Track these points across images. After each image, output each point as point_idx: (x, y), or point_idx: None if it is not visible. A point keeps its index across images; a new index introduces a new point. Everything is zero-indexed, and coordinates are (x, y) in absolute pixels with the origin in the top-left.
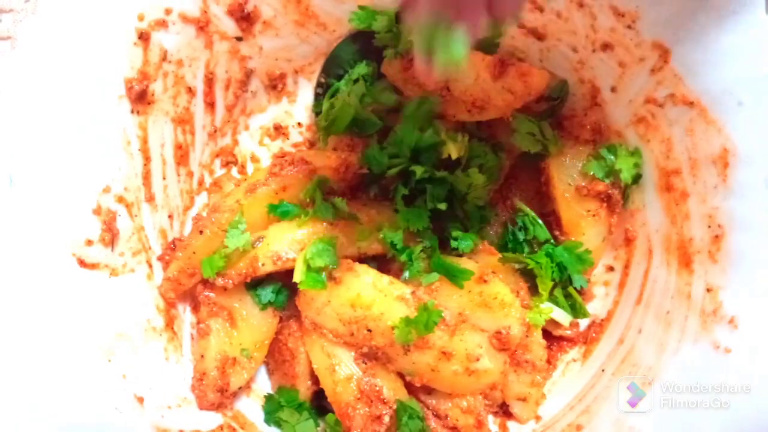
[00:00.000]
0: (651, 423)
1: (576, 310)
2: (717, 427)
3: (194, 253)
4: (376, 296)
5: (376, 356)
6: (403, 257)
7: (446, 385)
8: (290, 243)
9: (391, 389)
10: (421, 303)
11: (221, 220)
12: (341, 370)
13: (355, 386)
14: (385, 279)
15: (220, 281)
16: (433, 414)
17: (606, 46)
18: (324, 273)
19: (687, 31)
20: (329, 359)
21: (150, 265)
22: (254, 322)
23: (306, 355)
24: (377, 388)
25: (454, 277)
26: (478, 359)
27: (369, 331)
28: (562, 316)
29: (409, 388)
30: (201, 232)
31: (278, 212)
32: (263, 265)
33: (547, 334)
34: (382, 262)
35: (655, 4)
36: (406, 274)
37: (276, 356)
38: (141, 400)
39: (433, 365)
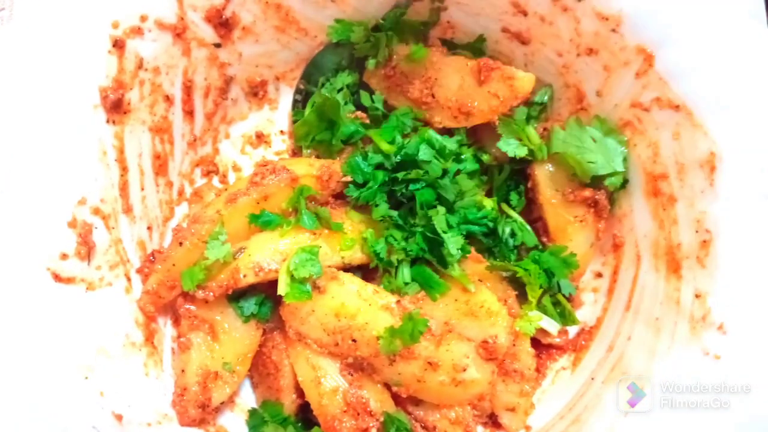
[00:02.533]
0: (643, 428)
1: (565, 318)
2: (717, 427)
3: (174, 265)
4: (361, 305)
5: (361, 367)
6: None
7: (433, 395)
8: (272, 253)
9: (377, 401)
10: (406, 312)
11: (201, 231)
12: (327, 382)
13: (341, 398)
14: (370, 288)
15: (200, 294)
16: (421, 426)
17: (590, 51)
18: (308, 283)
19: (671, 36)
20: (314, 371)
21: (128, 279)
22: (236, 334)
23: (291, 368)
24: (364, 400)
25: (431, 288)
26: (465, 369)
27: (354, 341)
28: (551, 325)
29: (396, 399)
30: (181, 243)
31: (260, 222)
32: (245, 276)
33: (536, 342)
34: (366, 272)
35: (638, 8)
36: (388, 283)
37: (260, 369)
38: (119, 417)
39: (420, 376)
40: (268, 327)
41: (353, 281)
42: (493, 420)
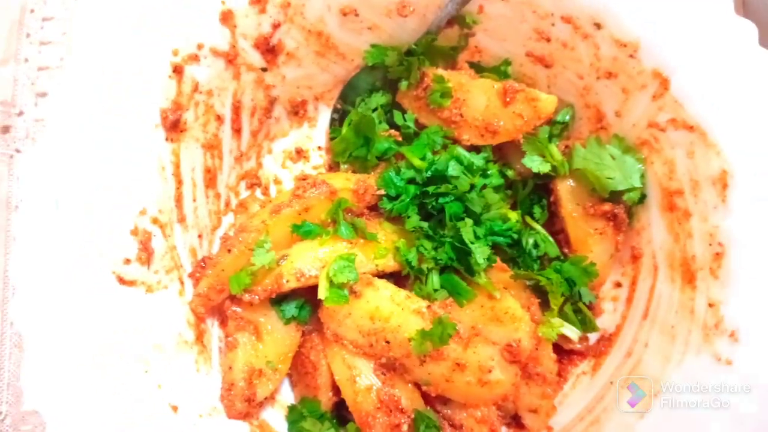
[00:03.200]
0: (657, 428)
1: (585, 325)
2: (717, 428)
3: (223, 270)
4: (394, 309)
5: (393, 367)
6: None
7: (460, 395)
8: (313, 261)
9: (408, 399)
10: (436, 316)
11: (248, 239)
12: (361, 381)
13: (374, 396)
14: (402, 293)
15: (246, 297)
16: (448, 423)
17: (609, 74)
18: (346, 288)
19: (685, 61)
20: (350, 370)
21: (181, 282)
22: (278, 335)
23: (327, 367)
24: (396, 398)
25: (458, 295)
26: (490, 371)
27: (387, 342)
28: (572, 332)
29: (426, 398)
30: (229, 250)
31: (301, 232)
32: (287, 281)
33: (558, 348)
34: (398, 279)
35: (654, 35)
36: (419, 290)
37: (299, 368)
38: (175, 408)
39: (448, 376)
40: (306, 329)
41: (387, 287)
42: (516, 421)
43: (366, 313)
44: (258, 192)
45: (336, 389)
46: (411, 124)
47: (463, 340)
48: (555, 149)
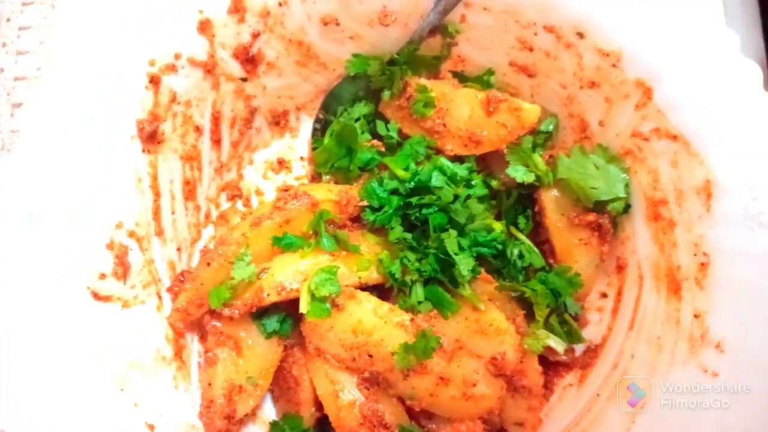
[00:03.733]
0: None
1: (572, 336)
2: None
3: (202, 284)
4: (377, 323)
5: (377, 381)
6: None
7: (445, 409)
8: (294, 274)
9: (392, 414)
10: (420, 330)
11: (228, 252)
12: (344, 396)
13: (358, 411)
14: (386, 306)
15: (226, 311)
16: None
17: (593, 84)
18: (328, 301)
19: (668, 71)
20: (333, 385)
21: (159, 297)
22: (259, 350)
23: (310, 382)
24: (380, 413)
25: (442, 307)
26: (474, 384)
27: (370, 356)
28: (557, 343)
29: (410, 413)
30: (208, 264)
31: (282, 244)
32: (268, 295)
33: (543, 360)
34: (381, 291)
35: (637, 45)
36: (402, 302)
37: (281, 384)
38: (152, 427)
39: (432, 390)
40: (288, 343)
41: (370, 300)
42: None
43: (348, 327)
44: (239, 204)
45: (319, 404)
46: (394, 134)
47: (447, 354)
48: (539, 159)
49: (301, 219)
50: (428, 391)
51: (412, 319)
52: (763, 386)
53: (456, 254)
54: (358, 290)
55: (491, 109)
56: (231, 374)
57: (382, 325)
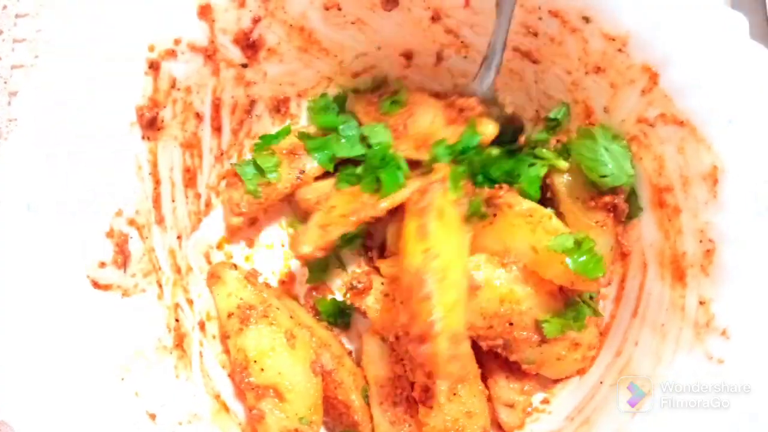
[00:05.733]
0: (651, 427)
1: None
2: (710, 428)
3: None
4: (527, 292)
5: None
6: None
7: (561, 371)
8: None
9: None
10: (570, 299)
11: None
12: None
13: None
14: (536, 276)
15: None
16: None
17: (598, 69)
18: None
19: (675, 55)
20: None
21: (160, 285)
22: (301, 388)
23: (360, 401)
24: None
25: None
26: (595, 347)
27: (510, 324)
28: None
29: None
30: None
31: None
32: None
33: None
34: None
35: (643, 29)
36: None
37: (331, 413)
38: (153, 416)
39: (560, 355)
40: (325, 371)
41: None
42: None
43: (496, 296)
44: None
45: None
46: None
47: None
48: (547, 153)
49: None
50: (557, 356)
51: (560, 287)
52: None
53: None
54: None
55: (452, 120)
56: (283, 422)
57: (533, 294)
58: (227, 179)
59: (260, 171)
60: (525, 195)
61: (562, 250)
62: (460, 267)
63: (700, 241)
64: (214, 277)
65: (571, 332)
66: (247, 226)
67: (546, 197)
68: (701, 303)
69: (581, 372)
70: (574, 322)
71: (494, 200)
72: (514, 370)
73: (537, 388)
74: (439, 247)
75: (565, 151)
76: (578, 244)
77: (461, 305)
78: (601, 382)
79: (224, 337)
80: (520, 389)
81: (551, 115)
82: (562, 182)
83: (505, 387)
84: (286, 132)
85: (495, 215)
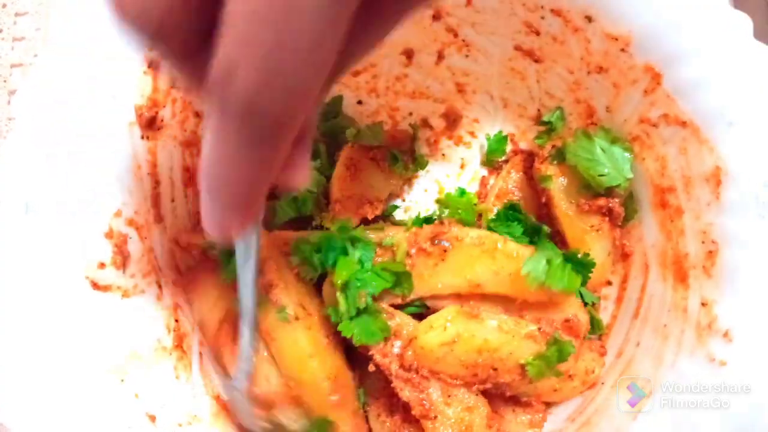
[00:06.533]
0: (651, 428)
1: (593, 327)
2: (717, 428)
3: None
4: (505, 339)
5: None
6: None
7: (562, 397)
8: None
9: None
10: (550, 336)
11: None
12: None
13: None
14: (510, 320)
15: None
16: None
17: (600, 69)
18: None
19: (678, 55)
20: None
21: (159, 286)
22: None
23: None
24: None
25: None
26: (593, 371)
27: (495, 369)
28: None
29: None
30: None
31: None
32: None
33: None
34: None
35: (647, 29)
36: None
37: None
38: (153, 418)
39: (556, 386)
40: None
41: (493, 317)
42: None
43: (472, 348)
44: None
45: None
46: None
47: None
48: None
49: None
50: (552, 388)
51: (539, 328)
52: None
53: None
54: (481, 307)
55: None
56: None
57: (510, 339)
58: None
59: None
60: (465, 223)
61: (540, 272)
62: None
63: (703, 243)
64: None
65: (564, 366)
66: None
67: (541, 202)
68: (703, 304)
69: (591, 387)
70: (558, 361)
71: (440, 237)
72: (518, 401)
73: (544, 412)
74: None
75: (559, 156)
76: (548, 262)
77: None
78: (602, 383)
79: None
80: (529, 422)
81: (545, 119)
82: (557, 186)
83: (512, 421)
84: None
85: (445, 251)
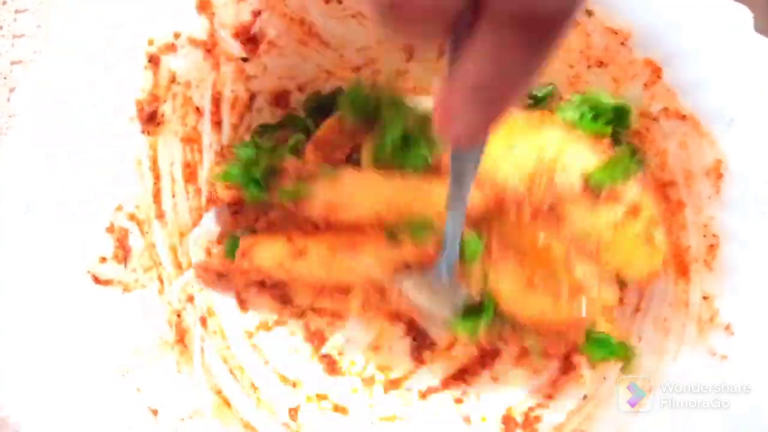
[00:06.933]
0: (652, 425)
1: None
2: (717, 427)
3: None
4: (569, 141)
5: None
6: None
7: (620, 253)
8: None
9: None
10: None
11: None
12: None
13: None
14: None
15: None
16: None
17: (600, 63)
18: None
19: (679, 49)
20: None
21: (161, 281)
22: None
23: None
24: None
25: None
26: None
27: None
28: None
29: None
30: None
31: None
32: None
33: None
34: None
35: (647, 23)
36: None
37: None
38: (155, 412)
39: (619, 222)
40: None
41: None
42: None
43: (535, 146)
44: None
45: None
46: None
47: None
48: None
49: None
50: (612, 224)
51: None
52: None
53: None
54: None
55: None
56: None
57: (575, 141)
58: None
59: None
60: None
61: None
62: None
63: (704, 236)
64: None
65: (629, 193)
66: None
67: None
68: (705, 298)
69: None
70: (624, 170)
71: None
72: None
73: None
74: None
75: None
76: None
77: None
78: (604, 378)
79: None
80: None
81: (535, 92)
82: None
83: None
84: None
85: None
